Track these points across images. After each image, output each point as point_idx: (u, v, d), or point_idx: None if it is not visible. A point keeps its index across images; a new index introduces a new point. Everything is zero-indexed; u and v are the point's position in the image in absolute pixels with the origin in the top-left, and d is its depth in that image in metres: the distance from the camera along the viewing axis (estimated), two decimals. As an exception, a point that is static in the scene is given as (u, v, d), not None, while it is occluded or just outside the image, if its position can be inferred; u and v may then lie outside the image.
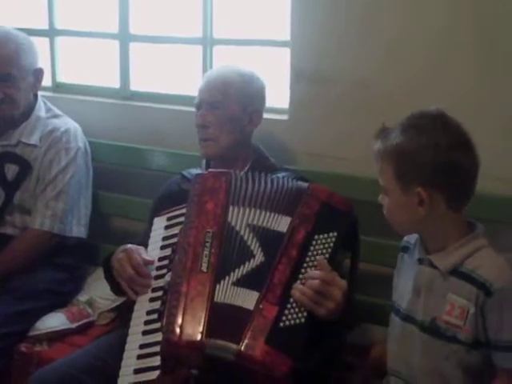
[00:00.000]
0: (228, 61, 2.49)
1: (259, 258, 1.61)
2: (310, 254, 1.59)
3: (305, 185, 1.74)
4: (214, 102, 2.00)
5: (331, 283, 1.54)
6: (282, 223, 1.65)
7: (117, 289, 1.83)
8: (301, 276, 1.56)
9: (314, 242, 1.60)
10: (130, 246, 1.79)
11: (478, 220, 1.59)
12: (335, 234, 1.61)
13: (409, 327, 1.58)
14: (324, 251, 1.59)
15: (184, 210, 1.74)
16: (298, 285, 1.54)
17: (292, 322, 1.51)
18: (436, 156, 1.46)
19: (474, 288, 1.47)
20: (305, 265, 1.57)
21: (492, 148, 1.97)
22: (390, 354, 1.66)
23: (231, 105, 2.00)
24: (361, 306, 1.85)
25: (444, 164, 1.47)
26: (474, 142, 1.51)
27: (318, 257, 1.58)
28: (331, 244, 1.60)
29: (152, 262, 1.75)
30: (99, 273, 2.33)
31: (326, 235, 1.61)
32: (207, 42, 2.52)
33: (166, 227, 1.81)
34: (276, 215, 1.67)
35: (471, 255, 1.50)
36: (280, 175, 1.88)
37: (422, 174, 1.48)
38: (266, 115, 2.19)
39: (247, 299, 1.54)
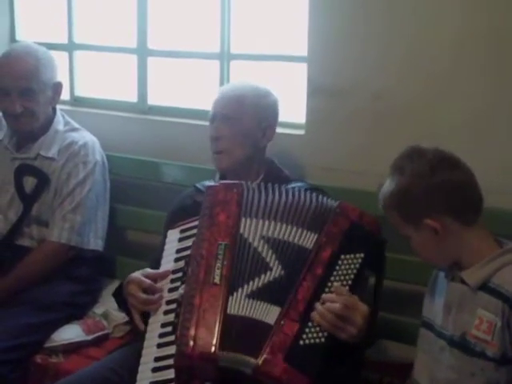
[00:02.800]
0: (245, 76, 2.51)
1: (277, 271, 1.59)
2: (335, 273, 1.57)
3: (334, 203, 1.71)
4: (229, 114, 2.00)
5: (352, 308, 1.53)
6: (306, 239, 1.64)
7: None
8: (324, 296, 1.54)
9: (339, 262, 1.59)
10: (134, 274, 1.80)
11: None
12: (362, 255, 1.60)
13: (440, 343, 1.59)
14: (349, 271, 1.58)
15: (197, 223, 1.73)
16: (318, 306, 1.52)
17: (312, 341, 1.50)
18: (424, 184, 1.53)
19: (500, 302, 1.48)
20: (329, 284, 1.56)
21: (505, 161, 1.97)
22: (417, 367, 1.66)
23: (245, 118, 2.00)
24: (378, 322, 1.84)
25: (434, 188, 1.53)
26: (456, 158, 1.57)
27: (342, 276, 1.57)
28: (357, 265, 1.58)
29: (168, 273, 1.75)
30: (115, 285, 2.34)
31: (352, 255, 1.59)
32: (224, 57, 2.53)
33: (180, 239, 1.81)
34: (299, 229, 1.65)
35: (499, 270, 1.51)
36: (290, 186, 1.86)
37: (421, 206, 1.54)
38: (282, 130, 2.20)
39: (267, 313, 1.53)
